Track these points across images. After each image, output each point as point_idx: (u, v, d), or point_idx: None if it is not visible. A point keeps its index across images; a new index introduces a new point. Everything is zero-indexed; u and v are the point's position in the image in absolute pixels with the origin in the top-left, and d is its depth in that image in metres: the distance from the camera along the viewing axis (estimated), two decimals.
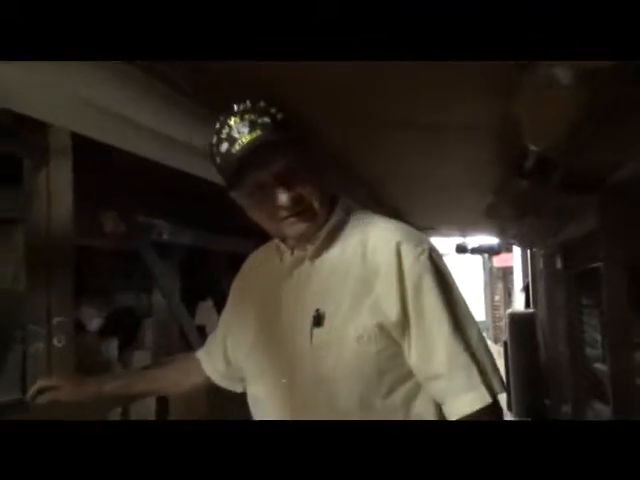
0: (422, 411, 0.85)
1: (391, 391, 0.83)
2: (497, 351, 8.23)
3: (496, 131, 1.84)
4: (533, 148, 1.30)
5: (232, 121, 0.82)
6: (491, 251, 7.72)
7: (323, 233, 0.90)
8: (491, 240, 7.22)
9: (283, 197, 0.83)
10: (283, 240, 0.93)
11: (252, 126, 0.81)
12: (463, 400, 0.81)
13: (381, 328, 0.82)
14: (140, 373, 1.30)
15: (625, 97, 1.09)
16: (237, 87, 1.65)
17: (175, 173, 1.82)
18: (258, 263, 1.04)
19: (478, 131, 1.92)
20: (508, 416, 5.39)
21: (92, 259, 3.07)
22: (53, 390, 1.03)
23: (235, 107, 0.84)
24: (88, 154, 1.59)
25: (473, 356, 0.82)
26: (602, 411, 3.00)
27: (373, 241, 0.87)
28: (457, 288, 0.88)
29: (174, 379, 1.16)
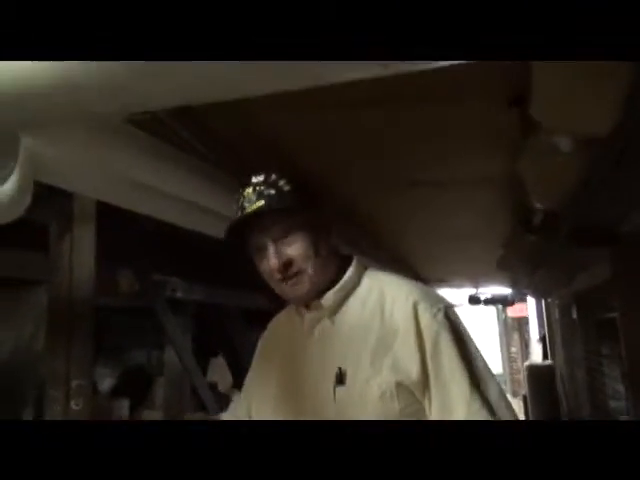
0: None
1: None
2: (517, 405, 7.96)
3: (504, 187, 1.88)
4: (539, 206, 1.33)
5: (245, 192, 0.93)
6: (505, 302, 7.62)
7: (338, 289, 0.94)
8: (504, 290, 7.15)
9: (274, 260, 0.91)
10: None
11: (259, 197, 0.91)
12: None
13: (402, 386, 0.85)
14: None
15: (628, 152, 1.13)
16: (249, 149, 1.73)
17: (188, 231, 1.88)
18: (281, 324, 1.08)
19: (487, 186, 1.97)
20: None
21: (105, 318, 3.09)
22: None
23: (252, 179, 0.95)
24: (107, 217, 1.65)
25: (492, 413, 0.83)
26: None
27: (390, 301, 0.91)
28: (474, 344, 0.90)
29: None
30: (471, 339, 0.90)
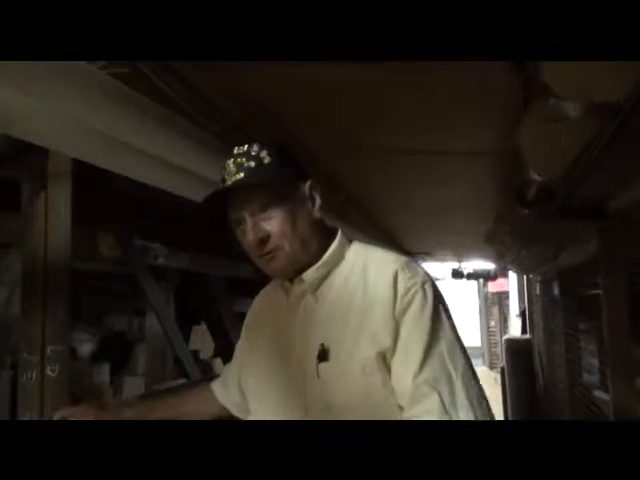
0: None
1: (396, 417, 0.85)
2: (494, 377, 8.16)
3: (499, 159, 1.85)
4: (537, 178, 1.31)
5: (228, 163, 0.91)
6: (487, 276, 7.74)
7: (321, 265, 0.93)
8: (487, 265, 7.23)
9: (251, 236, 0.89)
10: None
11: (239, 169, 0.89)
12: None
13: (381, 357, 0.85)
14: (159, 401, 1.30)
15: (627, 128, 1.10)
16: (236, 104, 1.66)
17: (172, 197, 1.81)
18: (268, 297, 1.07)
19: (481, 158, 1.93)
20: None
21: (85, 282, 3.03)
22: (76, 417, 1.05)
23: (235, 149, 0.92)
24: (86, 177, 1.57)
25: (435, 383, 0.83)
26: None
27: (374, 273, 0.91)
28: (450, 322, 0.89)
29: (192, 408, 1.18)
30: (445, 317, 0.89)
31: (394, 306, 0.85)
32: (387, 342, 0.84)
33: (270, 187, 0.89)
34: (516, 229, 2.30)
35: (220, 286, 3.76)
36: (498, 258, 5.20)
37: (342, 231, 0.99)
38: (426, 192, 2.72)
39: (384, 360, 0.84)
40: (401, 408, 0.85)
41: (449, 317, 0.90)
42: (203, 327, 4.12)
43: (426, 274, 0.92)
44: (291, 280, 0.95)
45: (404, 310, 0.85)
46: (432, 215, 3.39)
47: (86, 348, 3.33)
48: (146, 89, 1.14)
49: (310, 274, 0.93)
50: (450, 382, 0.83)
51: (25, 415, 1.28)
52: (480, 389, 0.87)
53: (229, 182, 0.89)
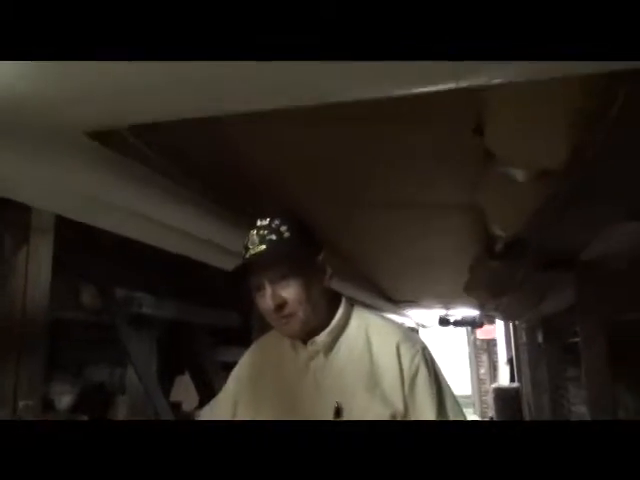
0: None
1: None
2: None
3: (467, 213, 1.91)
4: (500, 234, 1.35)
5: (251, 233, 1.03)
6: (474, 324, 7.72)
7: (331, 330, 1.05)
8: (474, 312, 7.23)
9: (269, 301, 1.00)
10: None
11: (261, 241, 1.01)
12: None
13: (394, 416, 0.96)
14: None
15: (586, 182, 1.15)
16: (218, 170, 1.71)
17: (157, 248, 1.84)
18: (272, 352, 1.13)
19: (454, 212, 1.99)
20: None
21: (65, 332, 2.98)
22: None
23: (257, 222, 1.04)
24: (69, 228, 1.60)
25: None
26: None
27: (376, 341, 1.03)
28: (445, 380, 1.04)
29: None
30: (442, 375, 1.04)
31: (401, 375, 0.98)
32: (399, 406, 0.96)
33: (289, 259, 1.01)
34: (489, 280, 2.34)
35: (205, 335, 3.72)
36: (480, 307, 5.22)
37: (345, 298, 1.10)
38: (408, 243, 2.77)
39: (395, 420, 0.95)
40: None
41: (442, 374, 1.04)
42: (187, 377, 4.02)
43: (421, 341, 1.06)
44: (302, 340, 1.05)
45: (413, 378, 0.98)
46: (415, 265, 3.43)
47: (65, 400, 3.23)
48: (128, 151, 1.19)
49: (323, 337, 1.03)
50: None
51: None
52: None
53: (252, 252, 1.00)
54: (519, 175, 0.93)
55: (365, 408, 0.96)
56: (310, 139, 1.46)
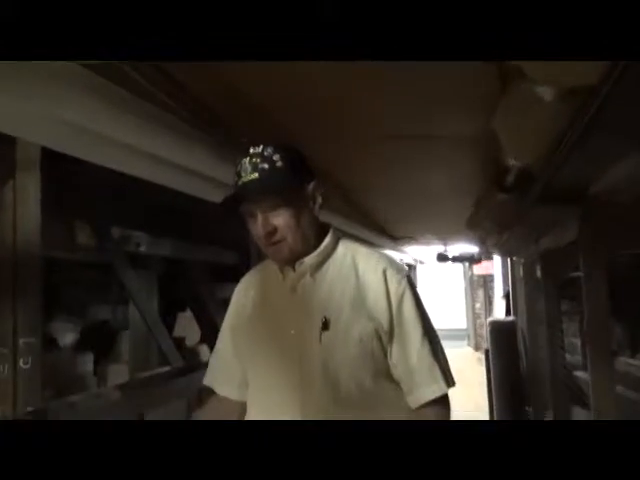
0: (392, 394, 1.10)
1: (377, 376, 1.08)
2: (478, 358, 8.28)
3: (478, 144, 1.84)
4: (514, 163, 1.30)
5: (244, 161, 1.05)
6: (472, 260, 7.81)
7: (318, 253, 1.11)
8: (472, 249, 7.29)
9: (260, 228, 1.06)
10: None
11: (254, 169, 1.03)
12: (427, 390, 1.09)
13: (376, 332, 1.07)
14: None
15: (605, 113, 1.09)
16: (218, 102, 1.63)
17: (154, 185, 1.78)
18: (259, 279, 1.21)
19: (460, 143, 1.92)
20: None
21: (65, 272, 2.98)
22: None
23: (250, 149, 1.06)
24: (60, 164, 1.53)
25: (436, 358, 1.10)
26: (583, 418, 3.02)
27: (362, 266, 1.12)
28: (424, 306, 1.14)
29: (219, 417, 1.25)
30: (423, 301, 1.14)
31: (387, 296, 1.08)
32: (383, 322, 1.07)
33: (280, 189, 1.04)
34: (496, 214, 2.31)
35: (203, 273, 3.74)
36: (481, 242, 5.24)
37: (333, 228, 1.16)
38: (409, 177, 2.72)
39: (377, 335, 1.07)
40: (401, 374, 1.09)
41: (421, 298, 1.15)
42: (188, 314, 4.10)
43: (405, 268, 1.16)
44: (290, 266, 1.11)
45: (400, 300, 1.08)
46: (415, 200, 3.39)
47: (68, 338, 3.29)
48: (126, 83, 1.11)
49: (310, 258, 1.10)
50: (438, 349, 1.12)
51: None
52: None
53: (244, 179, 1.04)
54: (547, 93, 0.88)
55: (351, 322, 1.06)
56: (308, 72, 1.37)
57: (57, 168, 1.54)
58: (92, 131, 1.14)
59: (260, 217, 1.05)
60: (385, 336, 1.07)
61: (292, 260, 1.10)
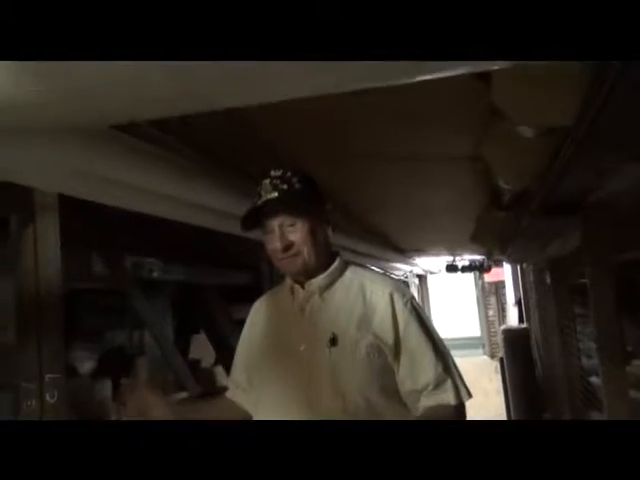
0: (399, 410, 1.14)
1: (383, 392, 1.12)
2: (494, 367, 8.19)
3: (473, 165, 1.89)
4: (506, 187, 1.34)
5: (264, 182, 1.15)
6: (481, 268, 7.78)
7: (327, 275, 1.18)
8: (480, 258, 7.27)
9: (277, 242, 1.14)
10: (295, 281, 1.20)
11: (274, 188, 1.13)
12: (436, 398, 1.12)
13: (382, 349, 1.12)
14: (192, 406, 1.51)
15: (597, 130, 1.13)
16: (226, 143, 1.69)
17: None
18: (272, 302, 1.29)
19: (458, 162, 1.96)
20: None
21: (81, 301, 3.05)
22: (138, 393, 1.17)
23: (271, 172, 1.16)
24: (75, 202, 1.60)
25: (448, 372, 1.14)
26: None
27: (369, 289, 1.18)
28: (433, 325, 1.19)
29: (217, 416, 1.31)
30: (431, 321, 1.20)
31: (394, 316, 1.13)
32: (389, 342, 1.12)
33: (298, 207, 1.14)
34: (497, 229, 2.34)
35: (216, 295, 3.79)
36: (487, 253, 5.24)
37: (341, 255, 1.24)
38: (414, 195, 2.76)
39: (383, 352, 1.12)
40: (419, 392, 1.12)
41: (430, 318, 1.21)
42: (203, 336, 4.14)
43: (410, 292, 1.22)
44: (300, 285, 1.18)
45: (407, 322, 1.14)
46: (421, 215, 3.43)
47: (87, 366, 3.35)
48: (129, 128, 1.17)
49: (319, 279, 1.18)
50: (450, 364, 1.15)
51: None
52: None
53: (265, 198, 1.13)
54: (526, 132, 0.92)
55: (358, 339, 1.12)
56: (309, 100, 1.43)
57: (71, 206, 1.61)
58: (102, 176, 1.21)
59: (278, 232, 1.13)
60: (391, 354, 1.12)
61: (304, 274, 1.17)
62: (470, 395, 1.15)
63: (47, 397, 1.33)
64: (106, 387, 3.27)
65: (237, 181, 1.78)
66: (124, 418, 1.12)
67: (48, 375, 1.32)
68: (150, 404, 1.15)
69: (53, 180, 1.11)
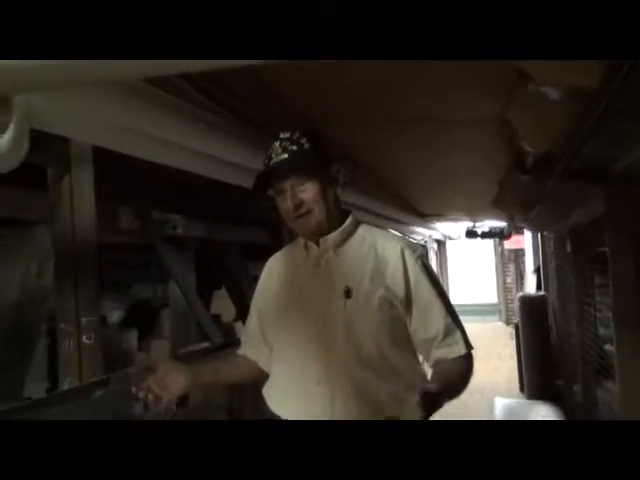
0: (410, 360, 1.20)
1: (394, 342, 1.18)
2: (509, 332, 8.25)
3: (499, 126, 1.87)
4: (530, 150, 1.34)
5: (274, 145, 1.17)
6: (501, 235, 7.71)
7: (341, 231, 1.22)
8: (501, 224, 7.21)
9: (289, 202, 1.17)
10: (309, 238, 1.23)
11: (284, 150, 1.16)
12: (449, 350, 1.18)
13: (392, 302, 1.17)
14: (208, 365, 1.47)
15: (622, 96, 1.12)
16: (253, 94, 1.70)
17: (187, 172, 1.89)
18: (285, 258, 1.32)
19: (482, 125, 1.95)
20: (520, 397, 5.45)
21: (110, 254, 3.16)
22: (161, 369, 1.20)
23: (280, 134, 1.18)
24: (106, 157, 1.66)
25: (456, 324, 1.20)
26: (613, 390, 3.04)
27: (381, 245, 1.22)
28: (440, 281, 1.25)
29: (232, 373, 1.38)
30: (438, 276, 1.27)
31: (405, 271, 1.17)
32: (401, 295, 1.16)
33: (307, 168, 1.16)
34: (519, 194, 2.32)
35: (236, 252, 3.87)
36: (509, 219, 5.19)
37: (353, 213, 1.26)
38: (436, 158, 2.75)
39: (395, 304, 1.16)
40: (430, 342, 1.18)
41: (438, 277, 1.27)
42: (224, 292, 4.26)
43: (422, 248, 1.27)
44: (316, 243, 1.21)
45: (417, 277, 1.18)
46: (443, 179, 3.41)
47: (115, 316, 3.51)
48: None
49: (333, 236, 1.21)
50: (458, 318, 1.21)
51: (67, 379, 1.42)
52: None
53: (275, 159, 1.15)
54: (552, 94, 0.92)
55: (371, 291, 1.16)
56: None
57: (102, 160, 1.67)
58: (135, 130, 1.25)
59: (289, 192, 1.16)
60: (402, 306, 1.17)
61: (317, 233, 1.20)
62: (472, 347, 1.21)
63: (84, 339, 1.42)
64: (133, 337, 3.43)
65: (261, 137, 1.80)
66: (150, 398, 1.14)
67: (84, 318, 1.41)
68: (170, 377, 1.17)
69: (89, 131, 1.15)
